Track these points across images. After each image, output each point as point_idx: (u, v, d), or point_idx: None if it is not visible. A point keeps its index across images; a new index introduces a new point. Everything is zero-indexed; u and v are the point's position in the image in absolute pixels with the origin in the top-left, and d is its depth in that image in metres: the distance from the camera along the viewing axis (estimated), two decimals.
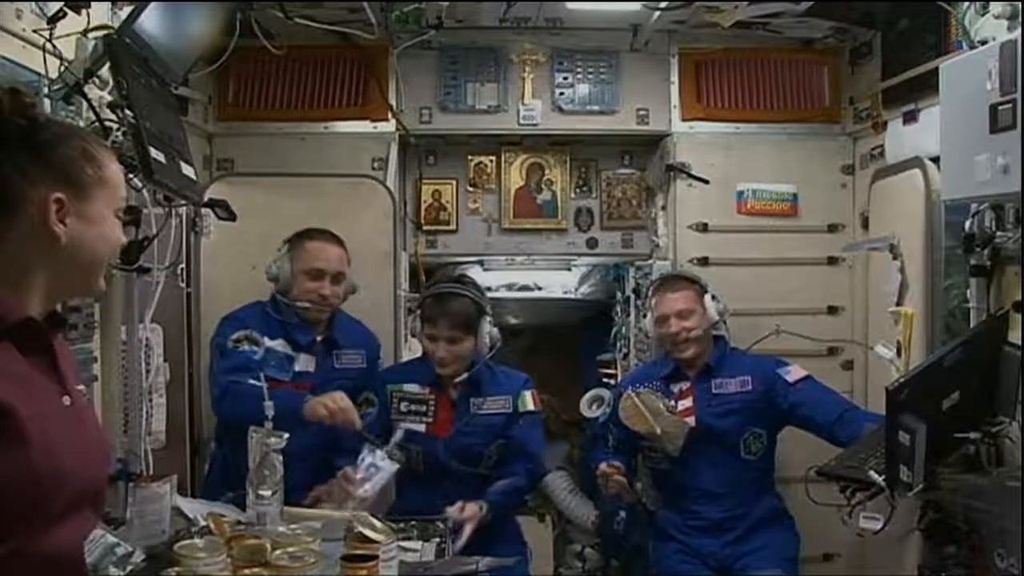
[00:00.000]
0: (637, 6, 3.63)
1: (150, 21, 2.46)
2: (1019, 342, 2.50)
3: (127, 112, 2.27)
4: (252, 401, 2.66)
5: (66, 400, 1.43)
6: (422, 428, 3.15)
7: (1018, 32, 2.31)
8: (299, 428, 2.71)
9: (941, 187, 2.68)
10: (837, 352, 3.91)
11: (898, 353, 3.22)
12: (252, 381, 2.75)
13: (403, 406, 3.17)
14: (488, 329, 3.18)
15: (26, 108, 1.41)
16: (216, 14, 2.96)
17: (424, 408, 3.17)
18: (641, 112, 4.00)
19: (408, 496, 3.12)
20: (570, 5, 3.76)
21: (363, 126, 3.92)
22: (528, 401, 3.23)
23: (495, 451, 3.18)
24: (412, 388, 3.19)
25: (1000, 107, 2.22)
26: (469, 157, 4.27)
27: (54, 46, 2.20)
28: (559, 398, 4.53)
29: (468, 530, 2.82)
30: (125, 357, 2.67)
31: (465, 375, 3.17)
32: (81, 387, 1.52)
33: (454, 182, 4.26)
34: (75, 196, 1.43)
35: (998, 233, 2.70)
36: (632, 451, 3.47)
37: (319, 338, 3.23)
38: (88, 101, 2.30)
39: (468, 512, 2.87)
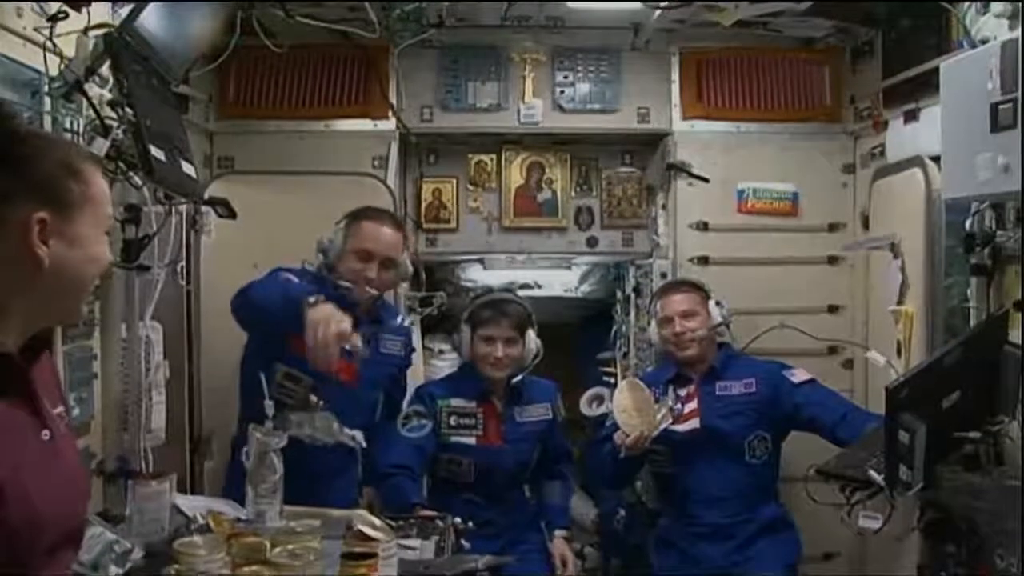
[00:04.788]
0: (638, 5, 3.61)
1: (151, 19, 2.46)
2: (1019, 341, 2.50)
3: (127, 110, 2.28)
4: (282, 284, 2.71)
5: (45, 435, 1.34)
6: (472, 441, 3.29)
7: (1019, 31, 2.30)
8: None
9: (942, 186, 2.68)
10: (837, 351, 3.90)
11: (898, 353, 3.22)
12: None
13: (452, 420, 3.29)
14: (533, 338, 3.33)
15: (5, 120, 1.32)
16: (217, 12, 2.96)
17: (472, 421, 3.30)
18: (642, 111, 4.00)
19: (455, 506, 3.05)
20: (571, 4, 3.75)
21: (364, 124, 3.90)
22: (562, 408, 3.47)
23: (536, 457, 3.40)
24: (459, 402, 3.32)
25: (1001, 106, 2.22)
26: (469, 156, 4.26)
27: (54, 44, 2.20)
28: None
29: (571, 558, 3.40)
30: (125, 354, 2.67)
31: (510, 382, 3.32)
32: (60, 408, 1.43)
33: (454, 181, 4.25)
34: (59, 215, 1.32)
35: (998, 232, 2.70)
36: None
37: (363, 317, 3.08)
38: (88, 99, 2.30)
39: (567, 558, 3.37)
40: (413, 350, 3.46)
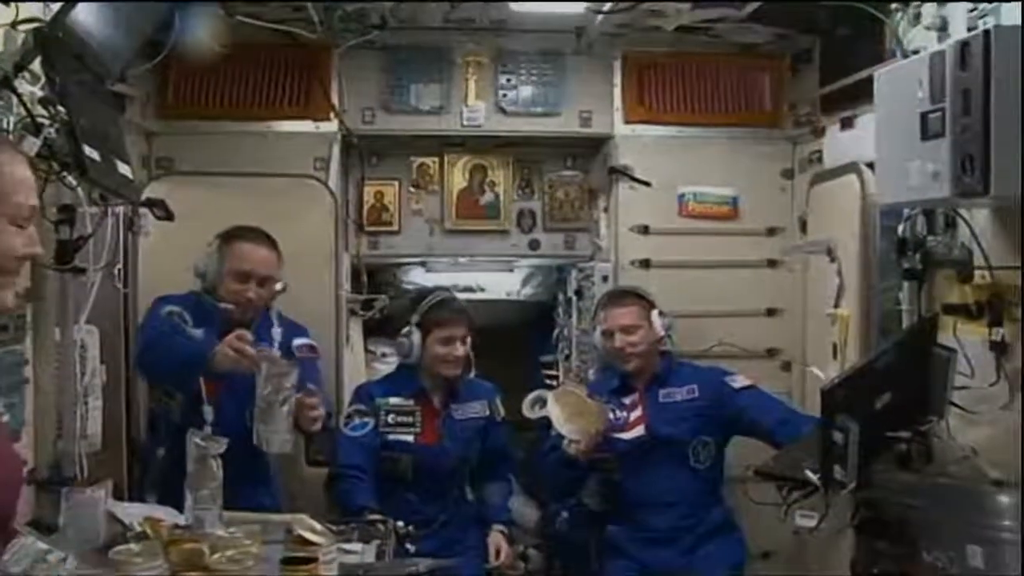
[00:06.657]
0: (581, 8, 3.64)
1: (85, 15, 2.40)
2: (948, 344, 2.57)
3: (60, 108, 2.22)
4: (177, 350, 2.84)
5: None
6: (411, 438, 3.28)
7: (947, 42, 2.37)
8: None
9: (876, 192, 2.74)
10: (776, 354, 3.97)
11: (834, 355, 3.28)
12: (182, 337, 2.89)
13: (390, 419, 3.28)
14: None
15: None
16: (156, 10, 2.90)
17: (411, 419, 3.29)
18: (584, 114, 4.02)
19: (395, 504, 3.07)
20: (514, 6, 3.75)
21: (305, 126, 3.87)
22: (501, 408, 3.47)
23: (475, 455, 3.39)
24: (396, 400, 3.31)
25: (930, 115, 2.28)
26: (412, 158, 4.25)
27: None
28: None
29: (505, 549, 3.35)
30: (59, 359, 2.61)
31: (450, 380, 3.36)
32: None
33: (397, 183, 4.24)
34: None
35: (928, 238, 2.78)
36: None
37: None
38: (19, 96, 2.23)
39: (501, 548, 3.33)
40: (293, 355, 3.35)
